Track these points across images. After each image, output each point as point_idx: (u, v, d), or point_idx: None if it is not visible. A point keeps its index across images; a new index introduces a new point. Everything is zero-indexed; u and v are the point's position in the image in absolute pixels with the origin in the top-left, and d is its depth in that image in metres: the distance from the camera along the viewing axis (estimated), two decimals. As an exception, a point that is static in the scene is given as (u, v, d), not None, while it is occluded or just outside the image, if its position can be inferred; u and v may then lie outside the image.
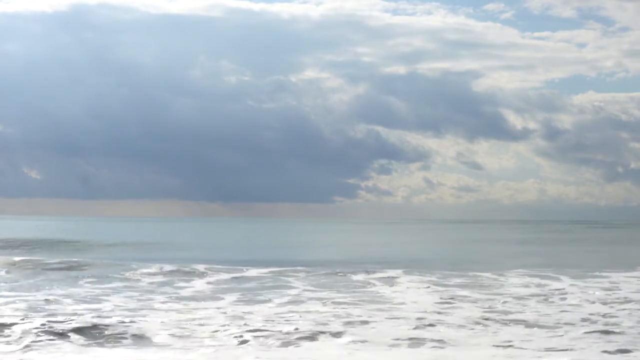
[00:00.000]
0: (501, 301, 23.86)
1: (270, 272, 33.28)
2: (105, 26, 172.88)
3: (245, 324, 18.46)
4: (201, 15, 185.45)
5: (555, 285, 29.24)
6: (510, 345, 16.31)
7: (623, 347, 16.11)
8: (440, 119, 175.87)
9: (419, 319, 19.76)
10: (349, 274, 32.79)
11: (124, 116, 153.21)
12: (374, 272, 33.49)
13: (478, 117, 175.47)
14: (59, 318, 18.74)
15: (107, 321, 18.33)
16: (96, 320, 18.39)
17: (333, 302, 23.12)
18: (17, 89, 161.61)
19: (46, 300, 23.04)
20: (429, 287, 28.19)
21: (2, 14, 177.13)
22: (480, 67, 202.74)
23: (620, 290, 27.56)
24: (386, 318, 19.97)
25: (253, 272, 33.41)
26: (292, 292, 26.38)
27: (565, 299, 24.86)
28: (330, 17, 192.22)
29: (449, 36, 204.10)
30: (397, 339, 16.80)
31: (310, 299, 24.28)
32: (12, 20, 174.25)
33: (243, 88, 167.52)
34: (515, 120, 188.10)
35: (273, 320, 19.21)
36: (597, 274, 34.13)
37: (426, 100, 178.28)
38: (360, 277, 31.93)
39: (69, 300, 23.10)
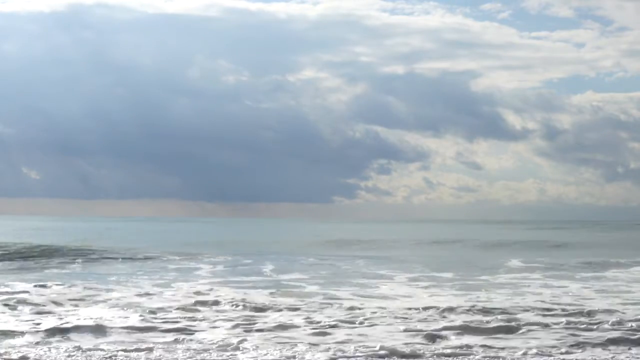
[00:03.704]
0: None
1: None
2: (102, 26, 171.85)
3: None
4: (198, 15, 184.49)
5: (550, 283, 28.77)
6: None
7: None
8: (439, 119, 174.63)
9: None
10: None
11: (122, 116, 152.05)
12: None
13: (477, 117, 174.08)
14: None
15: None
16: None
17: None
18: (15, 89, 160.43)
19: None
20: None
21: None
22: (478, 66, 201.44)
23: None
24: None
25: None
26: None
27: (556, 295, 24.37)
28: (328, 16, 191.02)
29: (447, 36, 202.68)
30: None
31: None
32: (9, 20, 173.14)
33: (241, 88, 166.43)
34: (514, 120, 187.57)
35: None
36: (597, 274, 33.67)
37: (425, 100, 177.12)
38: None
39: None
